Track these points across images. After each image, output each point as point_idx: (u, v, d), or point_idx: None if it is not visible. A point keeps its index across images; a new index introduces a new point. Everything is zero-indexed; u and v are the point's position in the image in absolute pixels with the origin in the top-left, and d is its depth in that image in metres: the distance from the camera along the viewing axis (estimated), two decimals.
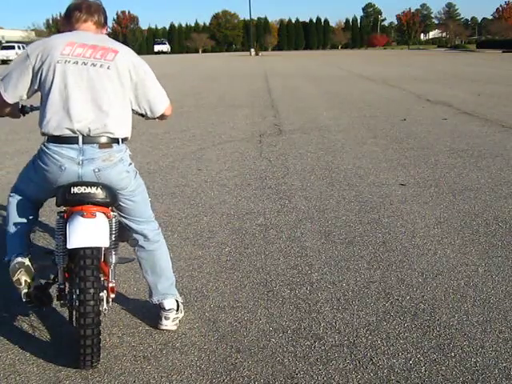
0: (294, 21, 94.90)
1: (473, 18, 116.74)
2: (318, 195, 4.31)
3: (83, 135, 2.11)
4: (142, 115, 2.36)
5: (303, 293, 2.67)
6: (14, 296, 2.68)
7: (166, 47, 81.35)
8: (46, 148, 2.13)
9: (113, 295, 2.22)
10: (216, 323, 2.40)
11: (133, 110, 2.27)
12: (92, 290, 1.95)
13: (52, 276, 2.27)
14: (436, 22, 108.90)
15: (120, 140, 2.20)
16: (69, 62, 2.11)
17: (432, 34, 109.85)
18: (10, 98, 2.18)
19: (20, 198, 2.30)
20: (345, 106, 10.00)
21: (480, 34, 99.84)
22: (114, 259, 2.20)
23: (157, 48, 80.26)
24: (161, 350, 2.21)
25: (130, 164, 2.26)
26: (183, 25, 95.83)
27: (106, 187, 2.11)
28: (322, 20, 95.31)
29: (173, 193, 4.46)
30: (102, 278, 2.15)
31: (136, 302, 2.61)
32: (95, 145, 2.13)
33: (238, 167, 5.34)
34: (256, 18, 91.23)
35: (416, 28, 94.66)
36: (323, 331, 2.32)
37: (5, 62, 42.51)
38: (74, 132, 2.10)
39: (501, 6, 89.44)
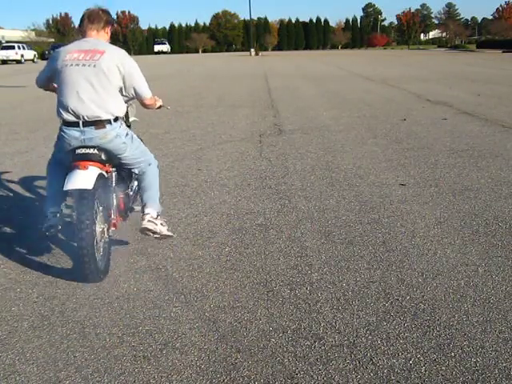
0: (294, 21, 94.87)
1: (473, 18, 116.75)
2: (318, 195, 4.31)
3: (83, 120, 2.79)
4: (131, 99, 3.09)
5: (303, 293, 2.67)
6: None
7: (165, 47, 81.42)
8: (61, 130, 2.88)
9: (113, 228, 3.06)
10: (216, 323, 2.40)
11: (124, 95, 2.94)
12: (87, 222, 2.61)
13: None
14: (436, 22, 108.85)
15: (112, 120, 2.83)
16: (67, 65, 2.82)
17: (432, 34, 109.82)
18: (38, 86, 3.17)
19: (55, 163, 3.05)
20: (345, 106, 9.99)
21: (480, 34, 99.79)
22: (114, 202, 3.07)
23: (157, 48, 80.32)
24: (161, 350, 2.21)
25: (127, 135, 2.95)
26: (183, 25, 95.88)
27: (103, 149, 2.84)
28: (322, 20, 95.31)
29: (173, 193, 4.45)
30: (106, 215, 2.93)
31: (136, 301, 2.61)
32: (92, 127, 2.80)
33: (237, 167, 5.34)
34: (256, 18, 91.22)
35: (416, 28, 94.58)
36: (323, 331, 2.32)
37: (5, 61, 42.53)
38: (76, 117, 2.79)
39: (501, 5, 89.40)
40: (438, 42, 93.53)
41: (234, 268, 2.97)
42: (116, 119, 2.87)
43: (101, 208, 2.85)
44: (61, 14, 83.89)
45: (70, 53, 2.87)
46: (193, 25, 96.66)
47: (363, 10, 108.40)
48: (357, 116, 8.71)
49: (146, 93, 3.01)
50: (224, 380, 2.02)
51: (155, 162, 3.21)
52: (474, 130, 7.17)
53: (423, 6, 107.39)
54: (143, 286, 2.76)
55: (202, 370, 2.08)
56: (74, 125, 2.80)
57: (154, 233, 3.09)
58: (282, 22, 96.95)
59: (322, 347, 2.21)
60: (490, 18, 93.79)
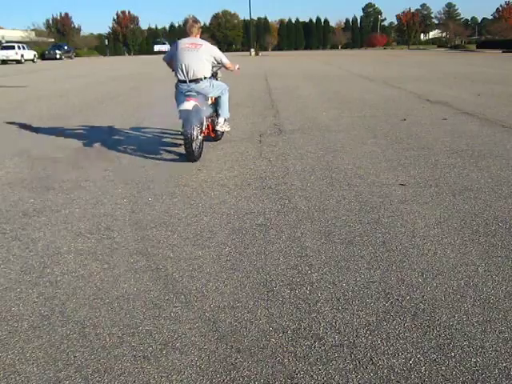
0: (294, 21, 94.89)
1: (473, 18, 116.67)
2: (318, 195, 4.31)
3: (189, 79, 5.46)
4: (220, 67, 5.99)
5: (303, 293, 2.67)
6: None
7: (165, 47, 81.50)
8: (177, 85, 5.58)
9: (203, 135, 5.72)
10: (216, 323, 2.40)
11: (216, 65, 5.81)
12: (188, 126, 5.21)
13: None
14: (436, 22, 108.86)
15: (203, 78, 5.51)
16: (182, 50, 5.47)
17: (432, 34, 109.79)
18: (165, 61, 5.81)
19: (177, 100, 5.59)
20: (345, 106, 9.99)
21: (480, 34, 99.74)
22: (204, 122, 5.70)
23: (157, 48, 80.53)
24: (161, 350, 2.21)
25: (210, 85, 5.62)
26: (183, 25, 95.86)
27: (199, 92, 5.50)
28: (322, 20, 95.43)
29: (173, 193, 4.45)
30: (206, 126, 5.89)
31: (136, 301, 2.61)
32: (193, 82, 5.48)
33: (237, 167, 5.34)
34: (256, 18, 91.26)
35: (416, 28, 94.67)
36: (323, 331, 2.32)
37: (5, 61, 42.53)
38: (185, 77, 5.47)
39: (501, 6, 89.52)
40: (437, 42, 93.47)
41: (234, 268, 2.97)
42: (205, 78, 5.56)
43: (196, 122, 5.43)
44: (61, 13, 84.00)
45: (184, 44, 5.55)
46: None
47: (363, 10, 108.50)
48: (357, 116, 8.71)
49: (226, 62, 5.78)
50: (224, 380, 2.02)
51: (226, 90, 6.03)
52: (473, 130, 7.17)
53: (423, 6, 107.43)
54: (143, 286, 2.76)
55: (202, 370, 2.08)
56: (184, 81, 5.53)
57: (222, 132, 6.46)
58: (282, 21, 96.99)
59: (322, 347, 2.21)
60: (490, 18, 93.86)
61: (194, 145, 5.36)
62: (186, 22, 5.71)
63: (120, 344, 2.25)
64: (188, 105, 5.29)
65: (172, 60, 5.63)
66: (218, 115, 6.14)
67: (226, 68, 5.92)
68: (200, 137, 5.56)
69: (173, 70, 5.72)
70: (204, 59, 5.51)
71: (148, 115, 9.13)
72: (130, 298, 2.65)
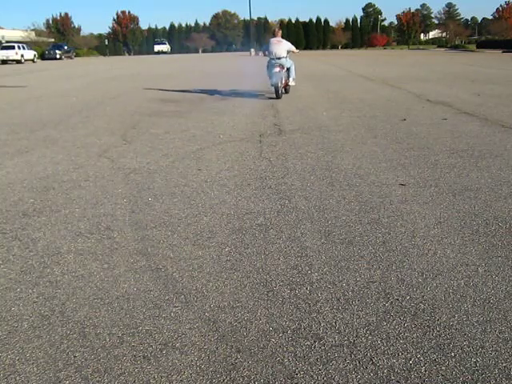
0: (294, 21, 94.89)
1: (473, 18, 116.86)
2: (318, 195, 4.31)
3: (276, 57, 11.29)
4: (288, 52, 11.63)
5: (303, 293, 2.67)
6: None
7: (165, 47, 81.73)
8: (269, 61, 11.48)
9: (282, 86, 11.61)
10: (216, 323, 2.40)
11: (289, 52, 11.58)
12: (276, 79, 11.21)
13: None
14: (436, 21, 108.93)
15: (283, 56, 11.32)
16: (272, 44, 11.45)
17: (432, 34, 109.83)
18: (263, 50, 12.10)
19: (269, 69, 11.53)
20: (345, 106, 9.99)
21: (480, 34, 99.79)
22: (283, 79, 11.45)
23: (157, 48, 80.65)
24: (161, 350, 2.21)
25: (286, 60, 11.43)
26: (183, 25, 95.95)
27: (281, 63, 11.31)
28: (322, 20, 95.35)
29: (173, 193, 4.45)
30: (283, 81, 11.72)
31: (136, 301, 2.61)
32: (278, 59, 11.30)
33: (237, 167, 5.34)
34: (256, 18, 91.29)
35: (416, 28, 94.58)
36: (323, 331, 2.32)
37: (5, 61, 42.54)
38: (274, 56, 11.31)
39: (501, 6, 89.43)
40: (437, 42, 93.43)
41: (234, 268, 2.97)
42: (283, 57, 11.29)
43: (279, 78, 11.15)
44: (61, 14, 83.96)
45: (273, 40, 11.41)
46: (193, 25, 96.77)
47: (363, 10, 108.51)
48: (357, 116, 8.71)
49: (294, 49, 11.71)
50: (224, 380, 2.02)
51: (293, 64, 11.81)
52: (473, 130, 7.17)
53: (423, 6, 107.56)
54: (143, 286, 2.76)
55: (202, 370, 2.08)
56: (273, 59, 11.23)
57: (289, 87, 12.11)
58: (282, 21, 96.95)
59: (322, 347, 2.21)
60: (490, 18, 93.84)
61: (279, 90, 11.08)
62: (273, 30, 11.90)
63: (120, 344, 2.25)
64: (276, 70, 10.87)
65: (267, 49, 11.26)
66: (289, 76, 11.65)
67: (294, 52, 11.61)
68: (282, 86, 11.37)
69: (264, 55, 11.52)
70: (283, 48, 11.17)
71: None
72: (130, 297, 2.65)
